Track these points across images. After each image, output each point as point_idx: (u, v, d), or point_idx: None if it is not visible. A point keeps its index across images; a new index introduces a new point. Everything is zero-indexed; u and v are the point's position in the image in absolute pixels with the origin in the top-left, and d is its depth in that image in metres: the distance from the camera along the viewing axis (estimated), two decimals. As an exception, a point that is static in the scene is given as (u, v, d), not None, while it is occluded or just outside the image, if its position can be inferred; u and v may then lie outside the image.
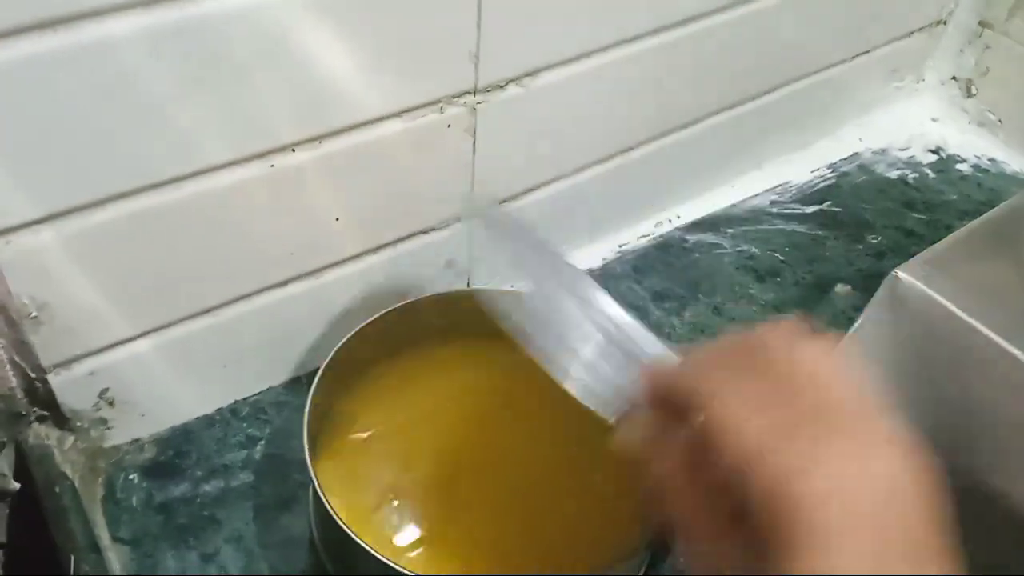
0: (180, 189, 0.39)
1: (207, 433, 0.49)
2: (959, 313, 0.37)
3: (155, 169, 0.38)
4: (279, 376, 0.51)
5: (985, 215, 0.44)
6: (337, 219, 0.45)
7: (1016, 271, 0.41)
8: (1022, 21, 0.67)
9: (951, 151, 0.72)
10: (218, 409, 0.50)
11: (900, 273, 0.38)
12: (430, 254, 0.51)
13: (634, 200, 0.62)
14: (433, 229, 0.50)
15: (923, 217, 0.66)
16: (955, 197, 0.68)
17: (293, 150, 0.41)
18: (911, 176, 0.69)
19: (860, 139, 0.72)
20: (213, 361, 0.47)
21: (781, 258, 0.62)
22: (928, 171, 0.70)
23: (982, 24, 0.70)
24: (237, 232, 0.42)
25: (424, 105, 0.44)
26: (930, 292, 0.38)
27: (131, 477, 0.46)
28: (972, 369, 0.37)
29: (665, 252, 0.63)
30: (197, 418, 0.49)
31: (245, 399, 0.51)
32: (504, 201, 0.53)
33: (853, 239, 0.64)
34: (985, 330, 0.37)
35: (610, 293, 0.58)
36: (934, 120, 0.74)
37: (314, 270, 0.47)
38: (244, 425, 0.50)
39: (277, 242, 0.44)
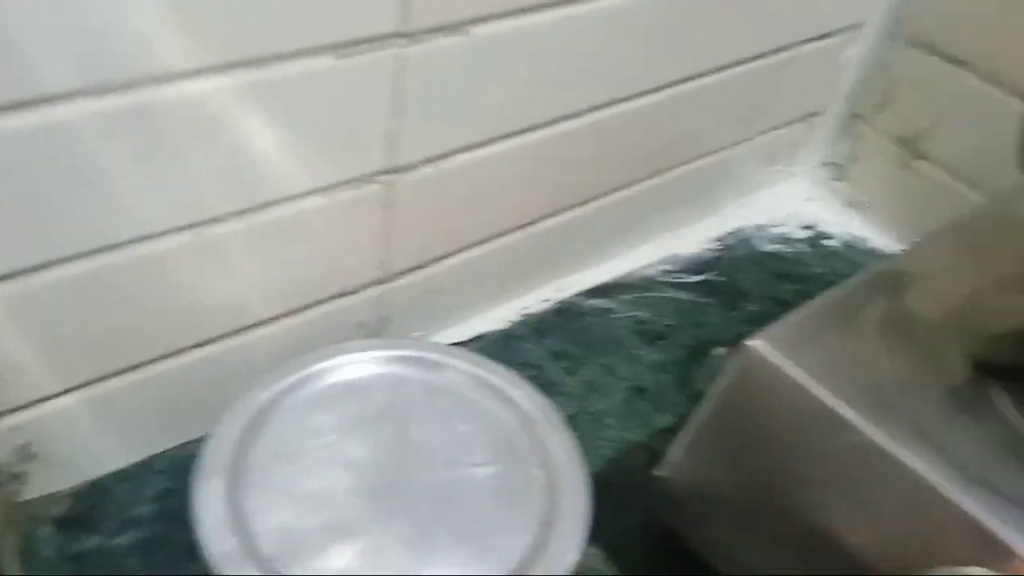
0: (116, 255, 0.42)
1: (122, 486, 0.51)
2: (804, 382, 0.43)
3: (95, 236, 0.41)
4: (196, 431, 0.53)
5: (832, 289, 0.50)
6: (258, 284, 0.49)
7: (859, 343, 0.47)
8: (887, 115, 0.76)
9: (822, 228, 0.80)
10: (134, 463, 0.52)
11: (750, 343, 0.44)
12: (343, 316, 0.55)
13: (537, 268, 0.68)
14: (348, 293, 0.54)
15: (794, 288, 0.73)
16: (824, 270, 0.75)
17: (222, 221, 0.44)
18: (786, 250, 0.77)
19: (743, 216, 0.79)
20: (133, 416, 0.50)
21: (667, 322, 0.68)
22: (801, 246, 0.78)
23: (853, 117, 0.79)
24: (166, 294, 0.45)
25: (343, 183, 0.48)
26: (777, 363, 0.43)
27: (47, 529, 0.48)
28: (816, 435, 0.43)
29: (564, 316, 0.68)
30: (114, 471, 0.51)
31: (162, 453, 0.53)
32: (417, 268, 0.57)
33: (731, 306, 0.71)
34: (828, 399, 0.42)
35: (513, 352, 0.64)
36: (809, 200, 0.82)
37: (235, 330, 0.50)
38: (159, 478, 0.52)
39: (202, 304, 0.47)
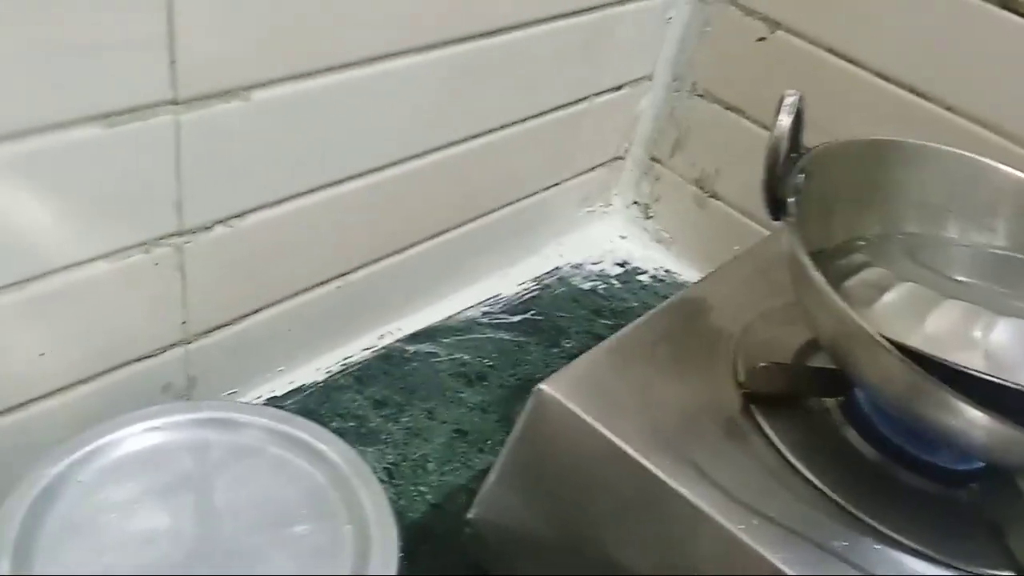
0: None
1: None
2: (589, 421, 0.45)
3: None
4: (-16, 511, 0.50)
5: (624, 329, 0.54)
6: (42, 355, 0.47)
7: (645, 378, 0.50)
8: (680, 158, 0.82)
9: (635, 264, 0.85)
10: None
11: (543, 387, 0.46)
12: (146, 380, 0.53)
13: (357, 316, 0.68)
14: (148, 357, 0.53)
15: (609, 323, 0.77)
16: (636, 304, 0.80)
17: (-8, 295, 0.43)
18: (601, 287, 0.81)
19: (561, 255, 0.83)
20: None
21: (489, 363, 0.70)
22: (615, 282, 0.82)
23: (652, 159, 0.84)
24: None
25: (130, 247, 0.47)
26: (566, 403, 0.46)
27: None
28: (602, 472, 0.45)
29: (387, 362, 0.69)
30: None
31: (-55, 537, 0.50)
32: (223, 326, 0.57)
33: (551, 344, 0.74)
34: (611, 436, 0.45)
35: (334, 403, 0.64)
36: (622, 237, 0.87)
37: (22, 403, 0.48)
38: (-58, 564, 0.49)
39: (-23, 380, 0.45)
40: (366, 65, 0.51)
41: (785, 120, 0.45)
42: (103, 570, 0.42)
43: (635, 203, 0.87)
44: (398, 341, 0.70)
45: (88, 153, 0.42)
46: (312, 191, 0.55)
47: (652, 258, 0.85)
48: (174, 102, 0.43)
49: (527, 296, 0.78)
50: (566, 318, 0.77)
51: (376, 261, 0.66)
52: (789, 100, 0.46)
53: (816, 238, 0.48)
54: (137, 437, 0.47)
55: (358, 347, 0.69)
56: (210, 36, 0.42)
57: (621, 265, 0.84)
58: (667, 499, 0.43)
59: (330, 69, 0.49)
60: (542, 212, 0.79)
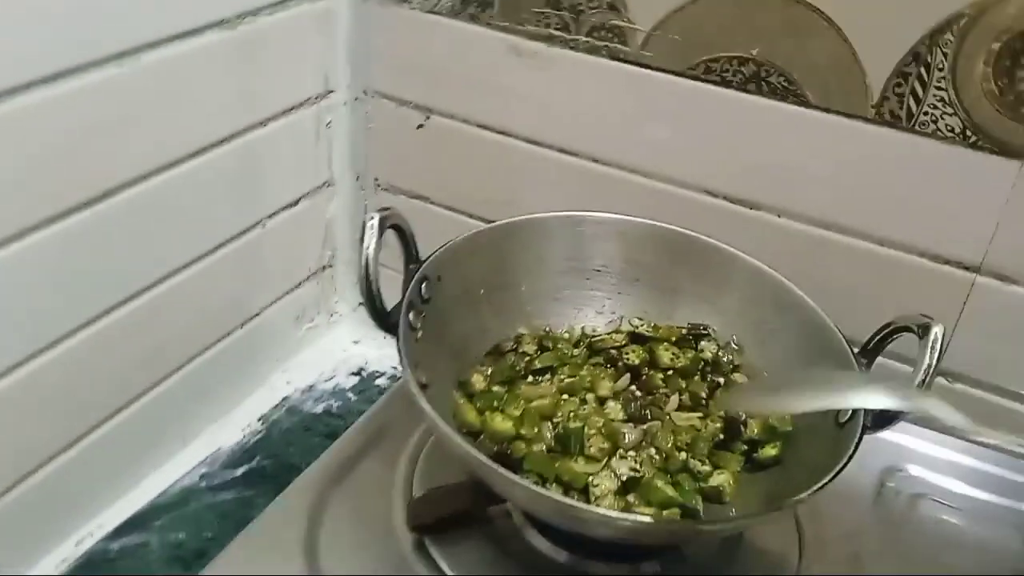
0: None
1: None
2: None
3: None
4: None
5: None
6: None
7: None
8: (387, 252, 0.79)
9: (371, 368, 0.80)
10: None
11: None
12: None
13: (46, 524, 0.60)
14: None
15: (344, 444, 0.72)
16: (374, 414, 0.75)
17: None
18: (336, 405, 0.76)
19: (288, 382, 0.77)
20: None
21: (210, 535, 0.63)
22: (351, 395, 0.77)
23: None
24: None
25: None
26: None
27: None
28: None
29: (92, 570, 0.60)
30: None
31: None
32: None
33: (280, 489, 0.67)
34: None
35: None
36: (355, 342, 0.83)
37: None
38: None
39: None
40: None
41: (371, 242, 0.44)
42: None
43: (361, 304, 0.83)
44: (100, 541, 0.62)
45: None
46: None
47: (390, 356, 0.81)
48: None
49: (254, 439, 0.72)
50: (297, 452, 0.71)
51: (60, 453, 0.58)
52: (371, 222, 0.44)
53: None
54: None
55: (55, 561, 0.60)
56: None
57: (356, 374, 0.79)
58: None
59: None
60: (257, 342, 0.74)
